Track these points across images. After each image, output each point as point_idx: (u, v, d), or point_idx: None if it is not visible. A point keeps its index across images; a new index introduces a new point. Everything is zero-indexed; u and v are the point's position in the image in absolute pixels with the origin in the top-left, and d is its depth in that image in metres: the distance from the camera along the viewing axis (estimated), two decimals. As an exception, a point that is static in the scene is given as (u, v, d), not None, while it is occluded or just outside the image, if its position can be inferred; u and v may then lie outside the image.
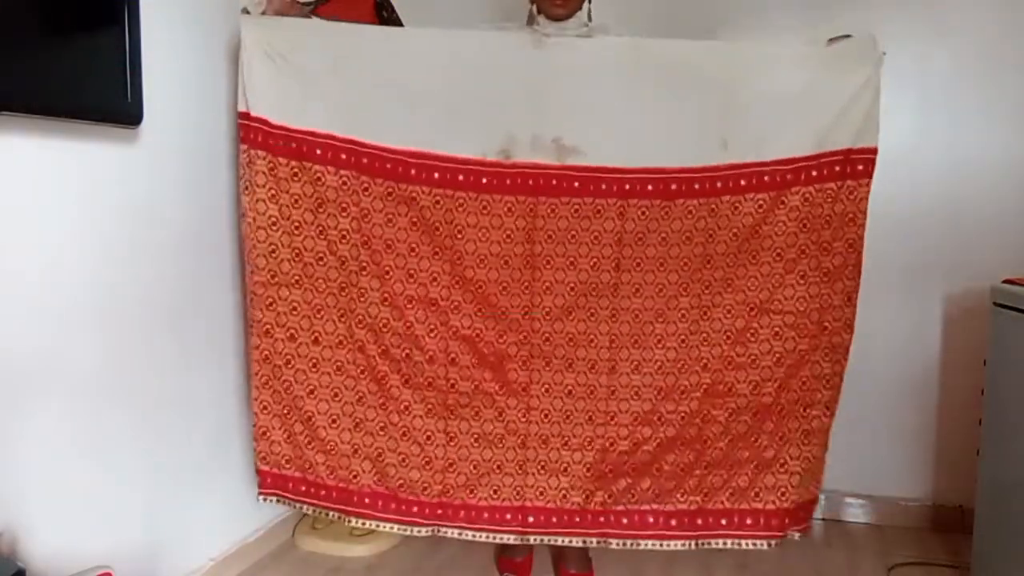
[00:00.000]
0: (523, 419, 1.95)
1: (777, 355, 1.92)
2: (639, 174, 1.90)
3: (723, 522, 1.97)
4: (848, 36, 1.93)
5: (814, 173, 1.89)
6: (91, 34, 1.56)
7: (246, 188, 1.88)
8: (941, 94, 2.48)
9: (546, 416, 1.96)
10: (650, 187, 1.90)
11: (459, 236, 1.92)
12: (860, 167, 1.88)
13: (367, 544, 2.35)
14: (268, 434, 1.95)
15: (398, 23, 2.42)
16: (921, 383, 2.55)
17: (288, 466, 1.97)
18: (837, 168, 1.88)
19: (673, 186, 1.90)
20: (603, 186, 1.90)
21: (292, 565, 2.28)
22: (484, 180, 1.91)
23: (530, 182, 1.91)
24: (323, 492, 1.98)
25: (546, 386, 1.96)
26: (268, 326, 1.91)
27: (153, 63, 1.70)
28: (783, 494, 1.95)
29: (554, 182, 1.91)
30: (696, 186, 1.90)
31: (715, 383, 1.93)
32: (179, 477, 1.95)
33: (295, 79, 1.86)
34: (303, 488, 1.98)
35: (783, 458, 1.95)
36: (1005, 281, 2.03)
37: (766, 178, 1.89)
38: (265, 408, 1.94)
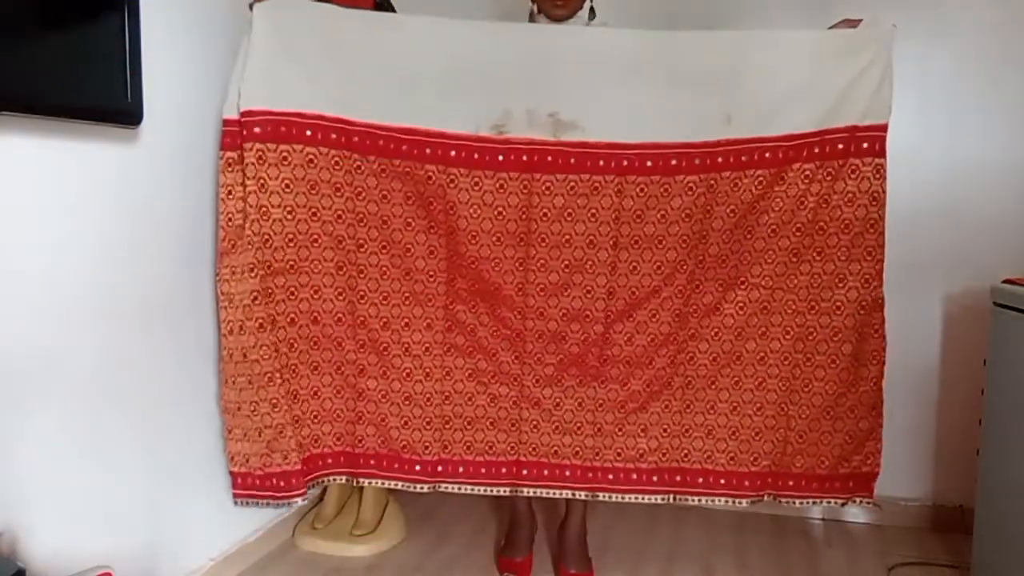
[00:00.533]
0: (516, 383, 1.99)
1: (762, 329, 1.96)
2: (638, 150, 1.89)
3: (700, 480, 2.02)
4: (858, 20, 1.93)
5: (816, 150, 1.88)
6: (91, 34, 1.55)
7: (228, 193, 1.88)
8: (941, 94, 2.48)
9: (537, 381, 2.00)
10: (649, 163, 1.89)
11: (451, 212, 1.92)
12: (866, 145, 1.88)
13: (367, 544, 2.35)
14: (284, 430, 1.95)
15: (398, 23, 2.42)
16: (921, 383, 2.55)
17: (300, 452, 1.98)
18: (840, 146, 1.88)
19: (673, 162, 1.89)
20: (600, 162, 1.89)
21: (292, 565, 2.27)
22: (476, 156, 1.90)
23: (524, 158, 1.90)
24: (331, 460, 2.03)
25: (538, 355, 1.99)
26: (273, 317, 1.91)
27: (153, 63, 1.70)
28: (756, 460, 2.00)
29: (549, 158, 1.89)
30: (696, 161, 1.88)
31: (701, 352, 1.98)
32: (179, 477, 1.95)
33: (291, 62, 1.86)
34: (315, 463, 2.03)
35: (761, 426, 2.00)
36: (1005, 281, 2.03)
37: (767, 155, 1.89)
38: (276, 406, 1.93)
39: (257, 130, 1.85)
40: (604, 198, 1.90)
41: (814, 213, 1.90)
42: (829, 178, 1.89)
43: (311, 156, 1.89)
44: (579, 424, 1.99)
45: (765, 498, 2.04)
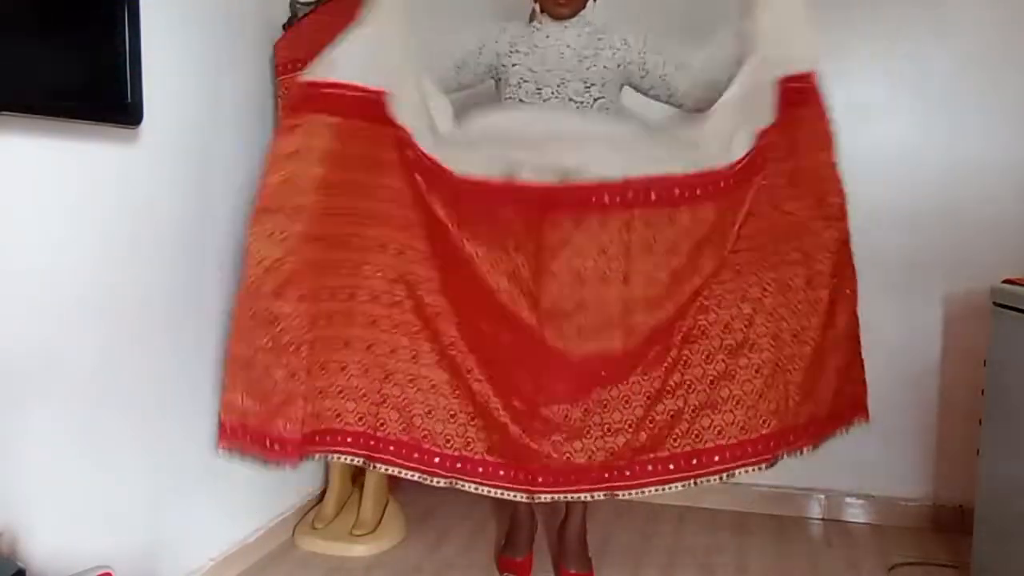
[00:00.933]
0: (528, 402, 1.94)
1: (742, 292, 1.93)
2: (641, 183, 1.88)
3: (716, 459, 1.96)
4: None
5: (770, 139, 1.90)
6: (91, 34, 1.55)
7: (295, 152, 1.84)
8: (941, 94, 2.48)
9: (546, 400, 1.94)
10: (653, 196, 1.88)
11: (470, 239, 1.91)
12: (795, 95, 1.89)
13: (367, 544, 2.35)
14: (294, 401, 1.90)
15: (399, 23, 2.42)
16: (921, 383, 2.55)
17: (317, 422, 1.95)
18: (781, 107, 1.89)
19: (676, 191, 1.88)
20: (605, 198, 1.87)
21: (292, 565, 2.28)
22: (488, 195, 1.90)
23: (535, 197, 1.89)
24: (349, 439, 1.98)
25: (550, 381, 1.94)
26: (316, 289, 1.89)
27: (153, 63, 1.70)
28: (765, 422, 1.94)
29: (557, 196, 1.89)
30: (698, 191, 1.88)
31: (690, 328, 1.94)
32: (179, 477, 1.95)
33: (387, 48, 1.89)
34: (328, 438, 1.98)
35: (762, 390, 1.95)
36: (1005, 281, 2.03)
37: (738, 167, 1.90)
38: (294, 376, 1.89)
39: (334, 103, 1.84)
40: (613, 233, 1.88)
41: (782, 180, 1.92)
42: (777, 138, 1.90)
43: (371, 135, 1.87)
44: (588, 427, 1.94)
45: (782, 456, 1.99)
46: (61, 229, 1.58)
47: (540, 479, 1.96)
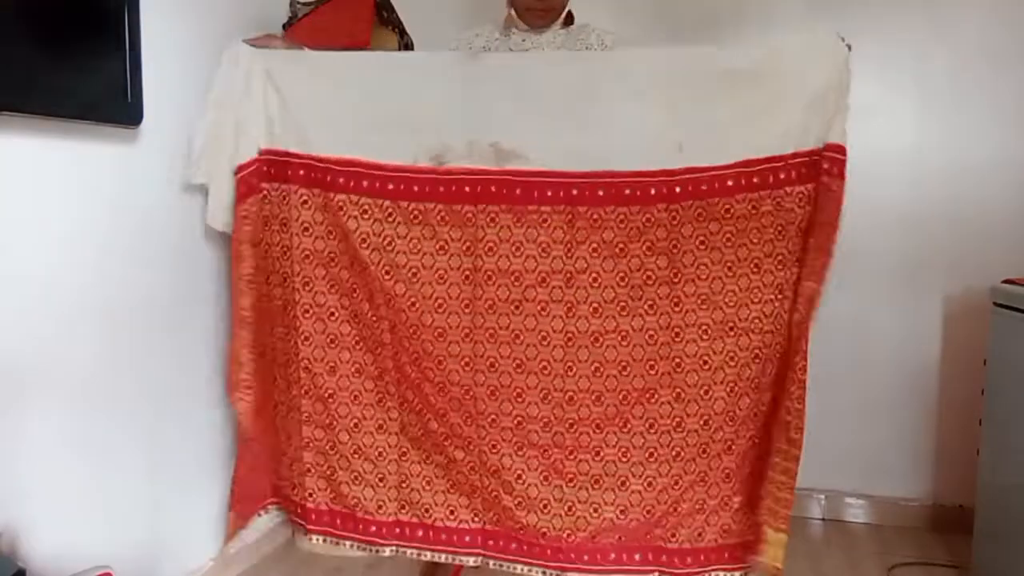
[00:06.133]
0: (472, 448, 1.80)
1: (753, 376, 1.73)
2: (588, 178, 1.72)
3: (688, 560, 1.79)
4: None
5: (782, 176, 1.71)
6: (91, 35, 1.56)
7: (284, 224, 1.86)
8: (941, 94, 2.48)
9: (494, 447, 1.79)
10: (601, 192, 1.72)
11: (388, 248, 1.78)
12: (826, 166, 1.69)
13: (367, 544, 2.34)
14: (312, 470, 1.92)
15: (398, 23, 2.42)
16: (921, 383, 2.55)
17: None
18: (804, 170, 1.71)
19: (627, 191, 1.72)
20: (548, 192, 1.73)
21: (292, 565, 2.27)
22: (416, 188, 1.77)
23: (467, 188, 1.75)
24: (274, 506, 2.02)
25: (492, 416, 1.78)
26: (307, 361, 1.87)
27: (153, 63, 1.70)
28: (751, 528, 1.77)
29: (493, 188, 1.74)
30: (652, 191, 1.71)
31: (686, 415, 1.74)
32: (179, 477, 1.95)
33: (248, 102, 1.85)
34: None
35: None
36: (1005, 281, 2.03)
37: (730, 182, 1.71)
38: (309, 445, 1.90)
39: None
40: (555, 230, 1.72)
41: (791, 242, 1.72)
42: (800, 204, 1.71)
43: (265, 192, 1.88)
44: (545, 502, 1.78)
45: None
46: (61, 229, 1.58)
47: (491, 543, 1.85)
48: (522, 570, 1.84)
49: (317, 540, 1.93)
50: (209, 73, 2.01)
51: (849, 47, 1.75)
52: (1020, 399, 1.88)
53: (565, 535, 1.79)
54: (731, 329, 1.70)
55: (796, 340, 1.69)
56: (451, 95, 1.79)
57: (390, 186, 1.78)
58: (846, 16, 2.50)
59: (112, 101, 1.61)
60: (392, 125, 1.80)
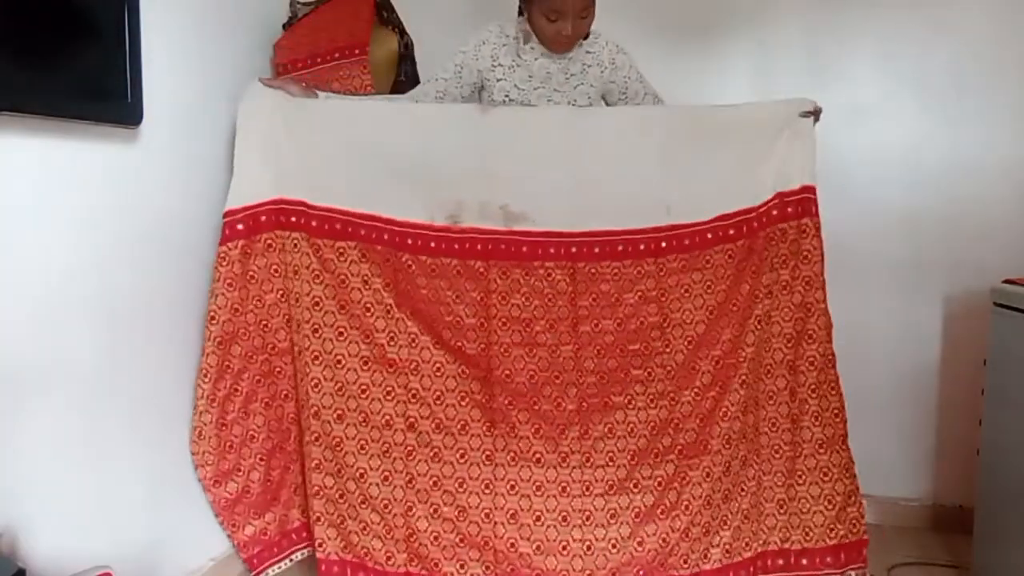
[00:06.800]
0: (486, 491, 1.88)
1: (744, 404, 1.91)
2: (586, 237, 1.90)
3: None
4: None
5: (755, 224, 1.91)
6: (91, 35, 1.56)
7: (281, 272, 1.91)
8: (941, 94, 2.48)
9: (512, 488, 1.88)
10: (597, 249, 1.90)
11: (407, 296, 1.89)
12: (790, 210, 1.91)
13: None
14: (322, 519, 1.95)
15: (398, 23, 2.42)
16: (921, 383, 2.55)
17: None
18: (775, 212, 1.91)
19: (620, 247, 1.90)
20: (551, 250, 1.90)
21: (292, 565, 2.27)
22: (432, 244, 1.90)
23: (479, 247, 1.90)
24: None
25: (512, 454, 1.88)
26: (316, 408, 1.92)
27: (153, 63, 1.70)
28: (748, 544, 1.90)
29: (503, 247, 1.90)
30: (642, 247, 1.90)
31: (688, 442, 1.90)
32: (179, 477, 1.95)
33: (259, 147, 1.90)
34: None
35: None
36: (1005, 281, 2.03)
37: (709, 235, 1.91)
38: (319, 493, 1.93)
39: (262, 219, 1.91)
40: (559, 283, 1.89)
41: (753, 280, 1.91)
42: (774, 243, 1.91)
43: (284, 241, 1.93)
44: (564, 543, 1.85)
45: None
46: (61, 229, 1.58)
47: None
48: None
49: None
50: (209, 73, 2.02)
51: (819, 111, 1.93)
52: (1020, 399, 1.88)
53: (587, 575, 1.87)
54: (717, 363, 1.89)
55: (823, 371, 1.94)
56: (463, 151, 1.89)
57: (408, 241, 1.90)
58: (846, 16, 2.50)
59: (112, 101, 1.61)
60: (407, 180, 1.89)
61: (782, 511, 1.93)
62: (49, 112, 1.47)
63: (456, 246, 1.90)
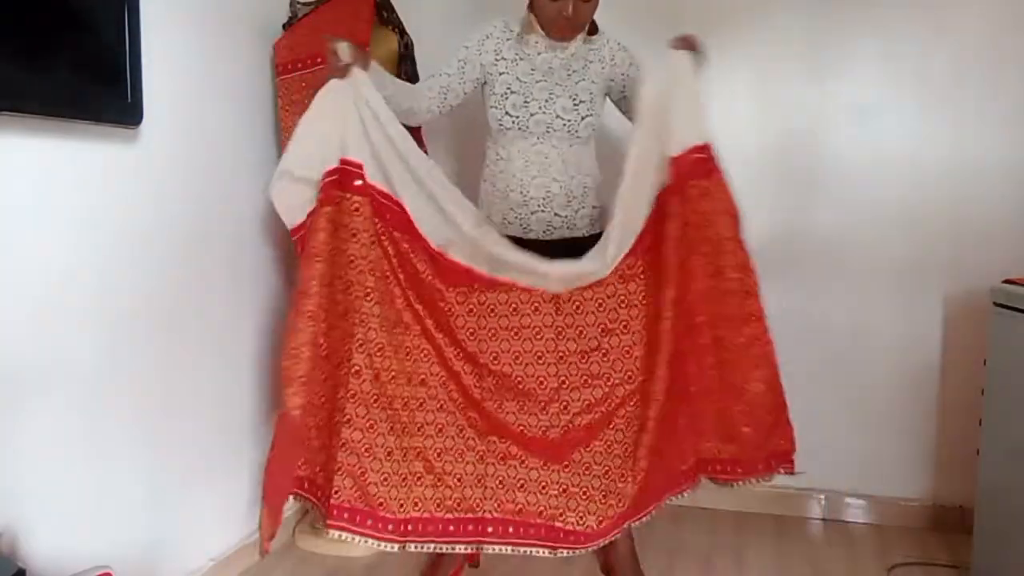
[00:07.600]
0: (482, 439, 1.96)
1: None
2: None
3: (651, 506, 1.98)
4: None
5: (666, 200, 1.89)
6: (91, 35, 1.56)
7: (353, 234, 1.90)
8: (941, 94, 2.48)
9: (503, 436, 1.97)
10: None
11: (431, 275, 1.96)
12: (685, 170, 1.87)
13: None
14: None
15: (398, 23, 2.42)
16: (921, 383, 2.55)
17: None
18: (673, 182, 1.87)
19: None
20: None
21: (292, 565, 2.28)
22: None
23: (464, 276, 1.94)
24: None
25: (502, 413, 1.96)
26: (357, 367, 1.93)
27: (153, 63, 1.70)
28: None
29: (486, 281, 1.95)
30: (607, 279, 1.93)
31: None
32: (179, 477, 1.95)
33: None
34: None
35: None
36: (1005, 281, 2.03)
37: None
38: (345, 446, 1.93)
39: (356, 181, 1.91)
40: (545, 316, 1.94)
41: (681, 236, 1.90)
42: (674, 208, 1.88)
43: (357, 205, 1.92)
44: (544, 484, 1.95)
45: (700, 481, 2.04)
46: (61, 229, 1.58)
47: (489, 529, 1.95)
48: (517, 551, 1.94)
49: (335, 535, 1.95)
50: (209, 73, 2.02)
51: (692, 43, 1.89)
52: (1020, 399, 1.88)
53: (559, 515, 1.94)
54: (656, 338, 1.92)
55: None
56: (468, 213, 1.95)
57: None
58: (846, 16, 2.50)
59: (112, 101, 1.61)
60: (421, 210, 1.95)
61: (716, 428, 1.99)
62: (49, 112, 1.47)
63: (445, 269, 1.95)
